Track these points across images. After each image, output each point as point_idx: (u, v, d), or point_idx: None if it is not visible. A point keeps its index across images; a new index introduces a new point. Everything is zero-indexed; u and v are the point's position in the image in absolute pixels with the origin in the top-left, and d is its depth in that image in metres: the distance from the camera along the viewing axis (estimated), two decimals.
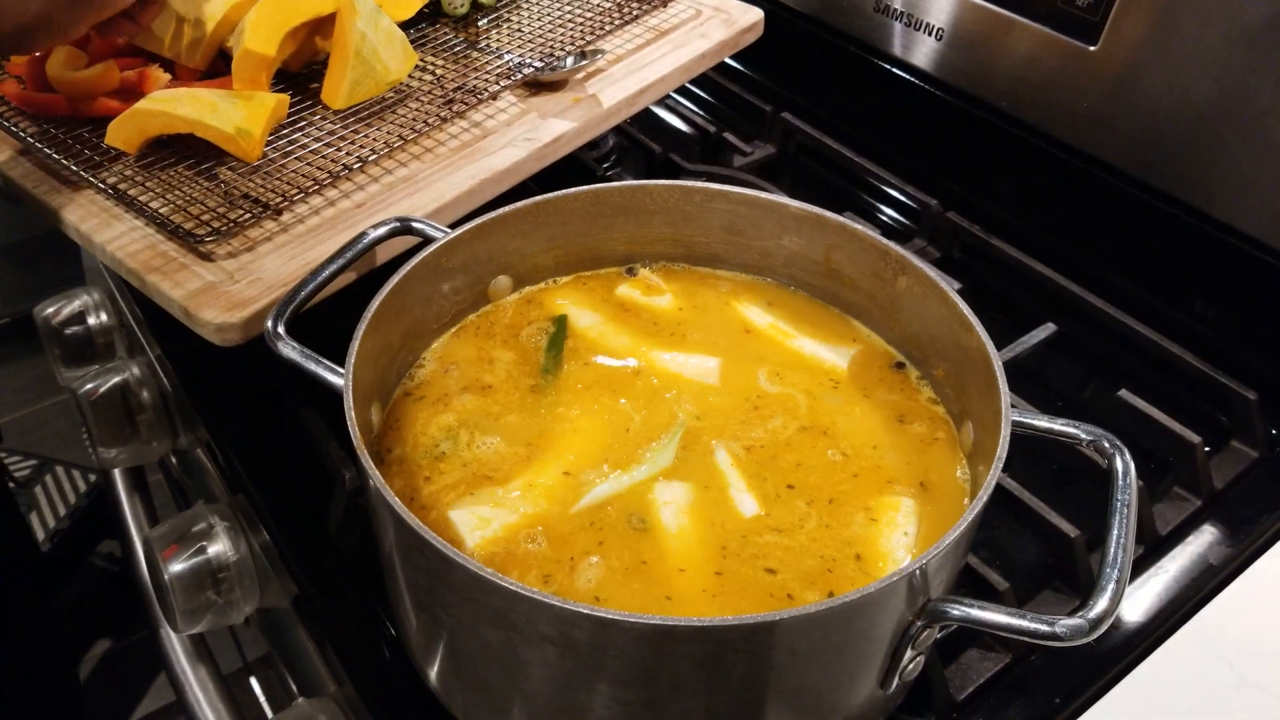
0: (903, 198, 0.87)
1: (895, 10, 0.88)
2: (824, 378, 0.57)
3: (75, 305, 0.88)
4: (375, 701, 0.53)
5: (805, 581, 0.46)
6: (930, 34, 0.86)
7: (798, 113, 0.95)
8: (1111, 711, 0.53)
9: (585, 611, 0.37)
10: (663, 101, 0.98)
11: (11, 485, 1.49)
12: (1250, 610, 0.58)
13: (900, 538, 0.48)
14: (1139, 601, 0.58)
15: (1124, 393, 0.67)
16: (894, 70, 0.90)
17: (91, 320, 0.89)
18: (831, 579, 0.46)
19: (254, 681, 1.10)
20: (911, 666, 0.44)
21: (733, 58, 0.95)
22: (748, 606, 0.45)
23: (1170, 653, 0.56)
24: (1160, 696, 0.54)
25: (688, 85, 0.98)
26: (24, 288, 1.83)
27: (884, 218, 0.89)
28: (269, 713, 0.97)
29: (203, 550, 0.67)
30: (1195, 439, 0.64)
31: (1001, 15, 0.80)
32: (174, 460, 0.89)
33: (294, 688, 0.70)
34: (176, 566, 0.66)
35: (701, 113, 1.00)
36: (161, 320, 0.68)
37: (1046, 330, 0.71)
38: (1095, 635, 0.38)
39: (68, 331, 0.88)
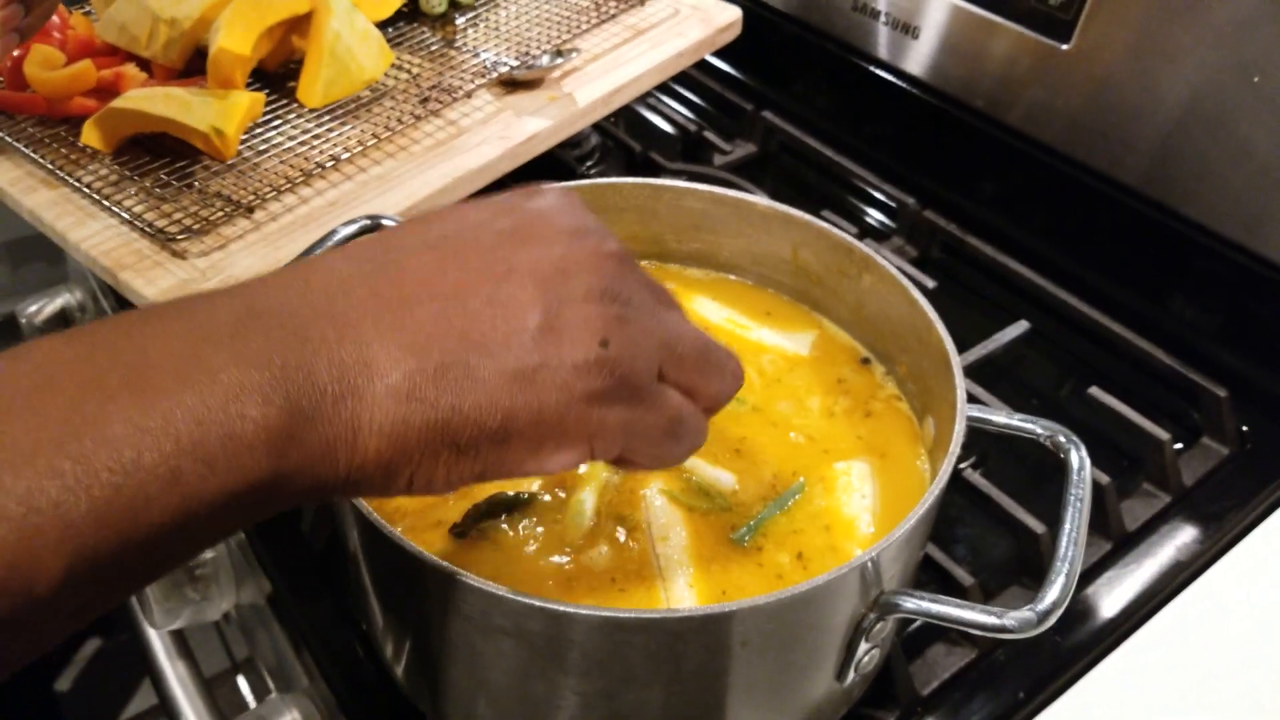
0: (882, 196, 0.88)
1: (874, 9, 0.88)
2: (784, 366, 0.58)
3: (58, 304, 0.89)
4: (347, 697, 0.54)
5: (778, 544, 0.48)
6: (908, 33, 0.86)
7: (778, 112, 0.95)
8: (1076, 706, 0.53)
9: (537, 604, 0.37)
10: (644, 101, 0.98)
11: None
12: (1217, 606, 0.58)
13: (859, 499, 0.49)
14: (1106, 597, 0.58)
15: (1094, 389, 0.68)
16: (873, 69, 0.90)
17: (74, 319, 0.89)
18: (800, 541, 0.48)
19: (241, 680, 1.10)
20: (867, 659, 0.44)
21: (714, 56, 0.96)
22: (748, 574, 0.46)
23: (1136, 648, 0.56)
24: (1125, 692, 0.54)
25: (670, 84, 0.98)
26: (16, 287, 1.83)
27: (863, 216, 0.89)
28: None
29: None
30: (1164, 436, 0.64)
31: (978, 14, 0.80)
32: None
33: (270, 684, 0.71)
34: None
35: (683, 112, 1.00)
36: None
37: (1020, 328, 0.72)
38: (1043, 627, 0.39)
39: (50, 330, 0.89)
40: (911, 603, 0.41)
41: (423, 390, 0.31)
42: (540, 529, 0.49)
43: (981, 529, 0.62)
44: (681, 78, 0.91)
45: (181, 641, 0.81)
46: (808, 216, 0.58)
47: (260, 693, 1.01)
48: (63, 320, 0.88)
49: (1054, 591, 0.39)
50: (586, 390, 0.32)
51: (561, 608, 0.37)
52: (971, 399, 0.60)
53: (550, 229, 0.34)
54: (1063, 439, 0.45)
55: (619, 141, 0.93)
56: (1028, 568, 0.59)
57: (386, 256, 0.33)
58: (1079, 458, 0.44)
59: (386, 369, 0.30)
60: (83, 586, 0.26)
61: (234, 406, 0.28)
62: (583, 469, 0.51)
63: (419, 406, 0.31)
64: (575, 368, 0.32)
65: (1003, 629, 0.39)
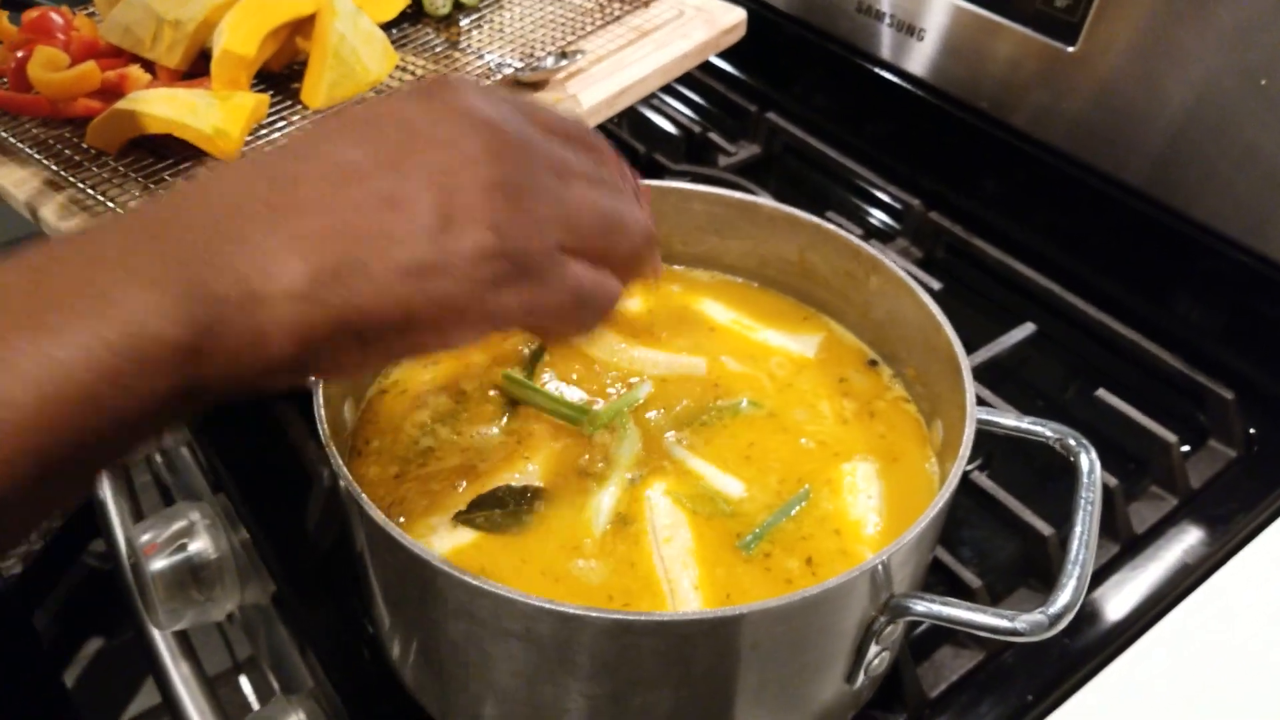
0: (886, 198, 0.88)
1: (878, 11, 0.88)
2: (792, 369, 0.58)
3: None
4: (351, 698, 0.53)
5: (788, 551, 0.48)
6: (913, 35, 0.86)
7: (782, 113, 0.95)
8: (1084, 709, 0.53)
9: (547, 606, 0.37)
10: (648, 102, 0.98)
11: None
12: (1225, 609, 0.58)
13: (865, 500, 0.49)
14: (1114, 600, 0.58)
15: (1101, 392, 0.68)
16: (877, 71, 0.90)
17: None
18: (809, 546, 0.48)
19: (244, 680, 1.10)
20: (877, 661, 0.44)
21: (718, 58, 0.96)
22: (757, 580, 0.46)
23: (1144, 651, 0.56)
24: (1133, 695, 0.54)
25: (673, 85, 0.98)
26: None
27: (868, 218, 0.89)
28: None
29: (184, 548, 0.67)
30: (1171, 438, 0.64)
31: (983, 16, 0.80)
32: (159, 459, 0.89)
33: (274, 685, 0.70)
34: (158, 564, 0.66)
35: (687, 113, 1.00)
36: None
37: (1026, 330, 0.72)
38: (1055, 630, 0.39)
39: None
40: (922, 606, 0.41)
41: (321, 292, 0.32)
42: (546, 522, 0.48)
43: (988, 531, 0.62)
44: (685, 79, 0.91)
45: (185, 642, 0.81)
46: (815, 219, 0.58)
47: (263, 692, 1.01)
48: None
49: (1065, 595, 0.39)
50: (482, 278, 0.34)
51: (572, 610, 0.37)
52: (979, 401, 0.60)
53: (452, 126, 0.35)
54: (1072, 442, 0.45)
55: (622, 143, 0.93)
56: (1035, 569, 0.59)
57: (285, 165, 0.34)
58: (1089, 461, 0.44)
59: (283, 274, 0.32)
60: (31, 491, 0.28)
61: (140, 329, 0.29)
62: (600, 465, 0.51)
63: (319, 308, 0.32)
64: (470, 259, 0.34)
65: (1014, 632, 0.38)
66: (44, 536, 1.52)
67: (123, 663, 1.48)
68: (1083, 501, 0.43)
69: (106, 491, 0.94)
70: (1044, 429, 0.46)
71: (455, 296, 0.34)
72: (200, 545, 0.67)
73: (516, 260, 0.35)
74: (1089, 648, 0.55)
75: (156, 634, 0.79)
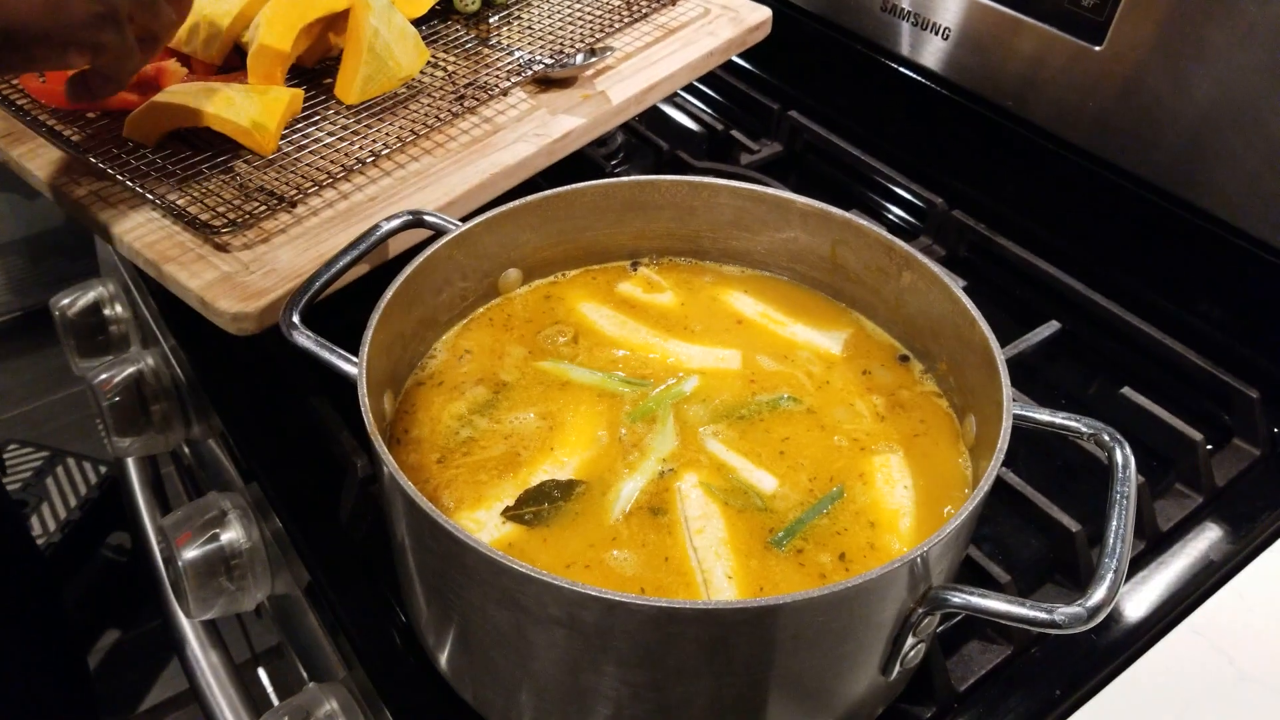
0: (909, 196, 0.88)
1: (902, 10, 0.89)
2: (820, 364, 0.58)
3: (90, 297, 0.90)
4: (385, 686, 0.54)
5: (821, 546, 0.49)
6: (937, 33, 0.86)
7: (805, 111, 0.96)
8: (1111, 704, 0.54)
9: (592, 594, 0.38)
10: (671, 99, 0.99)
11: (7, 480, 1.52)
12: (1250, 606, 0.59)
13: (901, 490, 0.49)
14: (1140, 596, 0.58)
15: (1127, 390, 0.68)
16: (901, 69, 0.91)
17: (106, 311, 0.90)
18: (843, 540, 0.48)
19: (262, 672, 1.11)
20: (913, 654, 0.44)
21: (741, 56, 0.96)
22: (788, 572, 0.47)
23: (1170, 647, 0.56)
24: (1159, 690, 0.54)
25: (696, 83, 0.99)
26: (37, 281, 1.85)
27: (890, 216, 0.90)
28: (276, 702, 0.98)
29: (216, 538, 0.68)
30: (1197, 436, 0.64)
31: (1008, 15, 0.80)
32: (186, 450, 0.90)
33: (304, 674, 0.71)
34: (190, 553, 0.67)
35: (709, 111, 1.00)
36: (176, 311, 0.69)
37: (1051, 328, 0.72)
38: (1093, 623, 0.39)
39: (83, 323, 0.90)
40: (959, 598, 0.41)
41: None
42: (583, 514, 0.49)
43: (1009, 527, 0.62)
44: (709, 77, 0.91)
45: (214, 631, 0.82)
46: (847, 214, 0.58)
47: (281, 684, 1.01)
48: (96, 312, 0.89)
49: (1103, 587, 0.39)
50: (116, 55, 0.59)
51: (617, 597, 0.37)
52: None
53: None
54: (1106, 437, 0.45)
55: (646, 140, 0.94)
56: (1061, 566, 0.60)
57: None
58: (1124, 455, 0.44)
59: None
60: None
61: None
62: (634, 454, 0.52)
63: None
64: (109, 43, 0.57)
65: (1053, 624, 0.39)
66: (63, 529, 1.53)
67: (140, 654, 1.49)
68: (1118, 496, 0.43)
69: (134, 483, 0.95)
70: (1078, 424, 0.47)
71: (88, 56, 0.57)
72: (232, 535, 0.68)
73: (121, 53, 0.58)
74: (1116, 643, 0.56)
75: (185, 622, 0.80)
